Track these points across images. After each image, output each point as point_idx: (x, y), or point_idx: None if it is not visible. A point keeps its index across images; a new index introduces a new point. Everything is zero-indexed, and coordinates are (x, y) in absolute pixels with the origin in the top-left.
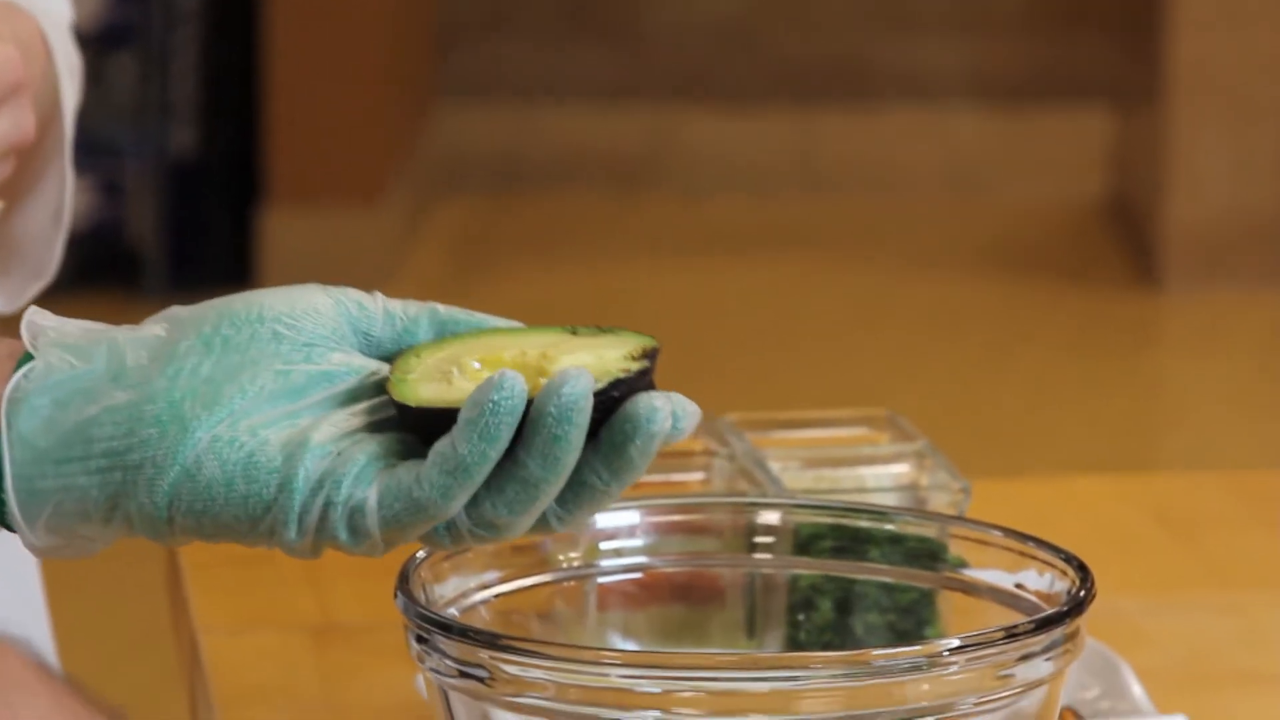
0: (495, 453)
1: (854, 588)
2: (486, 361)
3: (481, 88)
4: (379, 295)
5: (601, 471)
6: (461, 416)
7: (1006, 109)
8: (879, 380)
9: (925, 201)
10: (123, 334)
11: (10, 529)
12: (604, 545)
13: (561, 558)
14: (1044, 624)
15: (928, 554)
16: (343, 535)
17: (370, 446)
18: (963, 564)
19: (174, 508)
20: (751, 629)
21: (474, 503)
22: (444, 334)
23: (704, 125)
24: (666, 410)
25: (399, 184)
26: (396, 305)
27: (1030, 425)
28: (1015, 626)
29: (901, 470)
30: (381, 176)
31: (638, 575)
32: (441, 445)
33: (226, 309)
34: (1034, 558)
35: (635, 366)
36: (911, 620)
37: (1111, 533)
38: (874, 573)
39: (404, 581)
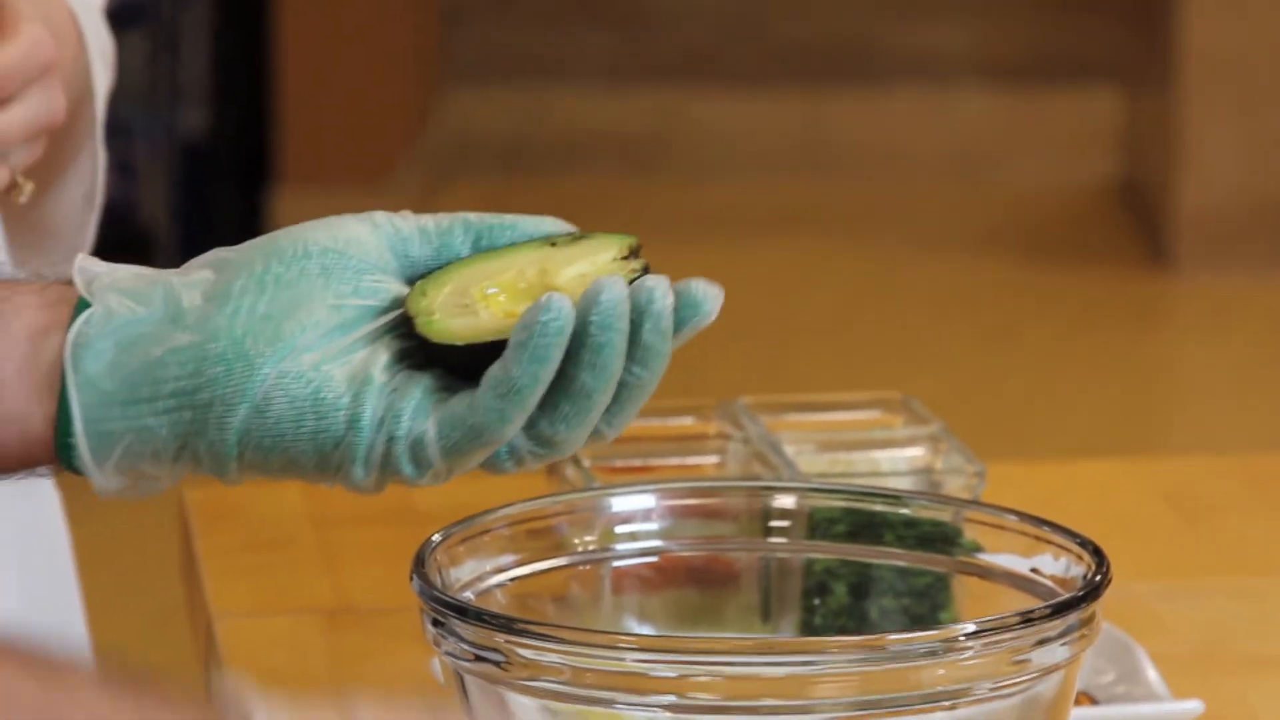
0: (547, 373)
1: (869, 572)
2: (503, 287)
3: (489, 70)
4: (409, 214)
5: (631, 366)
6: (512, 340)
7: (1015, 91)
8: (888, 362)
9: (934, 183)
10: (175, 277)
11: (78, 472)
12: (619, 529)
13: (577, 541)
14: (1060, 609)
15: (942, 538)
16: (406, 468)
17: (424, 379)
18: (978, 548)
19: (244, 444)
20: (766, 613)
21: (531, 424)
22: (480, 242)
23: (711, 107)
24: (663, 287)
25: (408, 166)
26: (429, 221)
27: (1039, 406)
28: (1031, 611)
29: (916, 454)
30: (390, 158)
31: (653, 559)
32: (494, 371)
33: (273, 247)
34: (1049, 542)
35: (636, 265)
36: (926, 605)
37: (1124, 517)
38: (889, 557)
39: (419, 565)
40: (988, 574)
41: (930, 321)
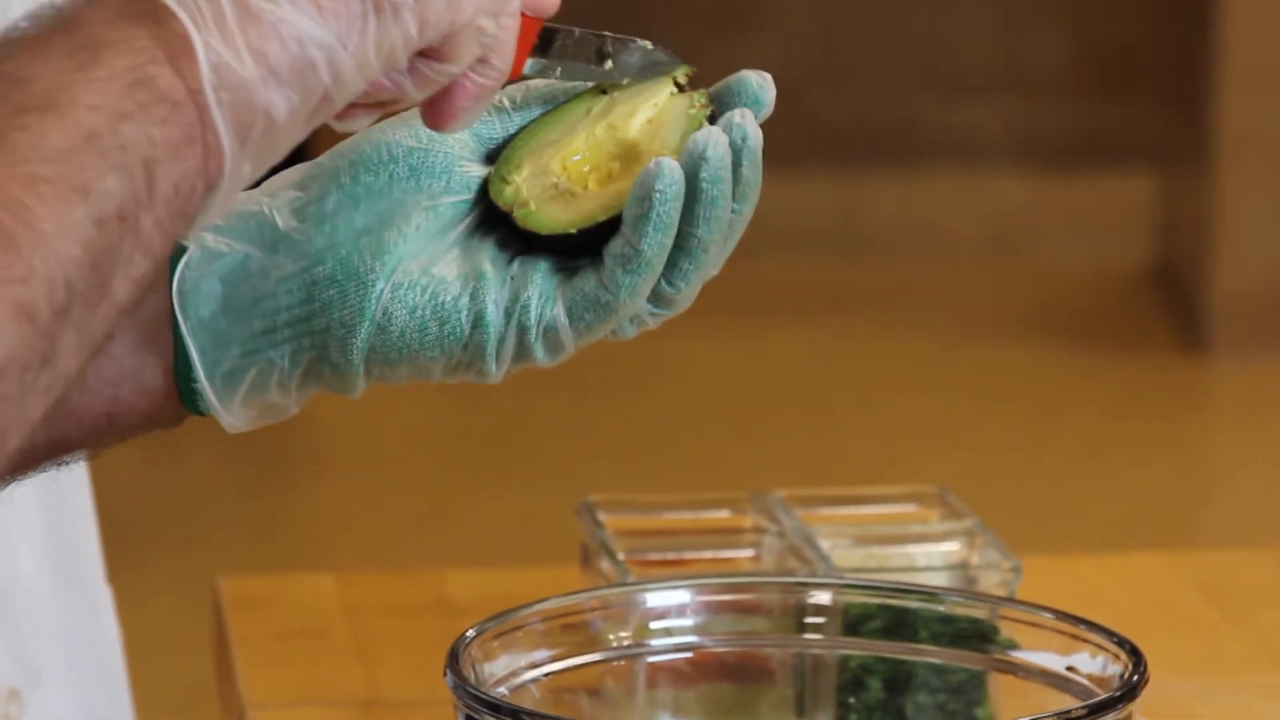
0: (670, 239)
1: (904, 668)
2: (582, 154)
3: None
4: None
5: (732, 204)
6: (631, 214)
7: (1052, 172)
8: (922, 446)
9: (970, 265)
10: (265, 199)
11: (203, 414)
12: (654, 624)
13: (611, 637)
14: (1097, 709)
15: (978, 635)
16: (540, 355)
17: (539, 263)
18: (1013, 645)
19: (370, 361)
20: (801, 709)
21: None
22: (543, 103)
23: None
24: (751, 122)
25: None
26: (504, 100)
27: (1076, 492)
28: (1068, 711)
29: (952, 549)
30: None
31: (687, 654)
32: (617, 247)
33: (357, 155)
34: (1086, 640)
35: (701, 100)
36: (961, 702)
37: (1162, 611)
38: (924, 654)
39: (454, 660)
40: (1024, 672)
41: (965, 405)
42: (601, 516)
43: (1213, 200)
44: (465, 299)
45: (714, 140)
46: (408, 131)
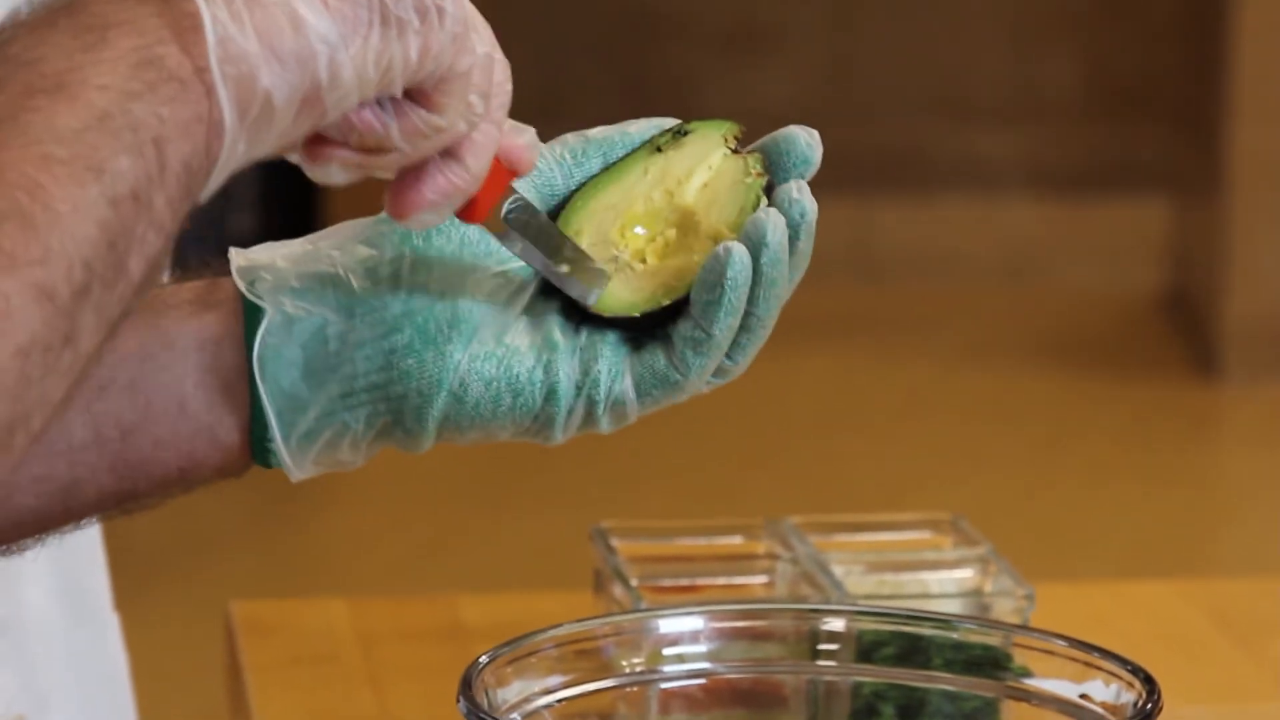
0: (738, 321)
1: (917, 695)
2: (641, 222)
3: None
4: (541, 147)
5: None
6: (701, 299)
7: (1064, 199)
8: (935, 471)
9: (983, 291)
10: (339, 259)
11: (271, 467)
12: (667, 651)
13: (625, 663)
14: None
15: (991, 662)
16: (605, 426)
17: (607, 335)
18: (1027, 673)
19: (442, 428)
20: None
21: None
22: (603, 156)
23: None
24: (808, 199)
25: None
26: (564, 153)
27: (1088, 518)
28: None
29: (965, 576)
30: None
31: (700, 681)
32: (688, 330)
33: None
34: (1099, 668)
35: (756, 166)
36: None
37: (1175, 639)
38: (937, 681)
39: (466, 686)
40: (1037, 700)
41: (977, 431)
42: (614, 542)
43: (1225, 227)
44: (539, 371)
45: (774, 225)
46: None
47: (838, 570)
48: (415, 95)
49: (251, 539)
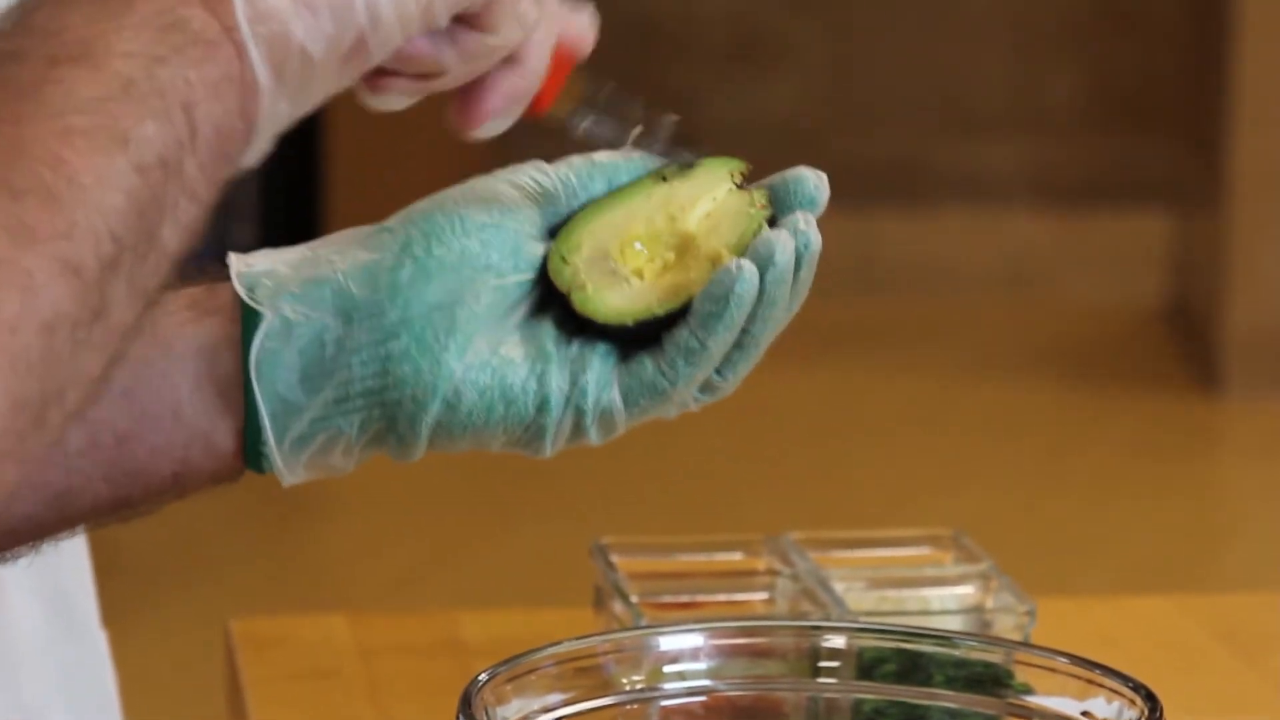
0: (734, 337)
1: (918, 713)
2: (641, 240)
3: None
4: (544, 167)
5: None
6: (702, 310)
7: (1065, 210)
8: (936, 484)
9: (985, 303)
10: (339, 264)
11: (264, 472)
12: (667, 668)
13: (625, 680)
14: None
15: (993, 680)
16: (594, 436)
17: (597, 345)
18: (1028, 690)
19: (435, 436)
20: None
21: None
22: (608, 181)
23: None
24: (814, 231)
25: None
26: (570, 175)
27: (1089, 531)
28: None
29: (966, 592)
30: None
31: (701, 698)
32: (683, 339)
33: (430, 226)
34: (1101, 685)
35: (761, 200)
36: None
37: (1178, 654)
38: (938, 698)
39: (465, 704)
40: (1039, 717)
41: (979, 443)
42: (614, 558)
43: (1227, 239)
44: (532, 382)
45: (782, 245)
46: (481, 206)
47: (838, 586)
48: (466, 19)
49: (251, 554)
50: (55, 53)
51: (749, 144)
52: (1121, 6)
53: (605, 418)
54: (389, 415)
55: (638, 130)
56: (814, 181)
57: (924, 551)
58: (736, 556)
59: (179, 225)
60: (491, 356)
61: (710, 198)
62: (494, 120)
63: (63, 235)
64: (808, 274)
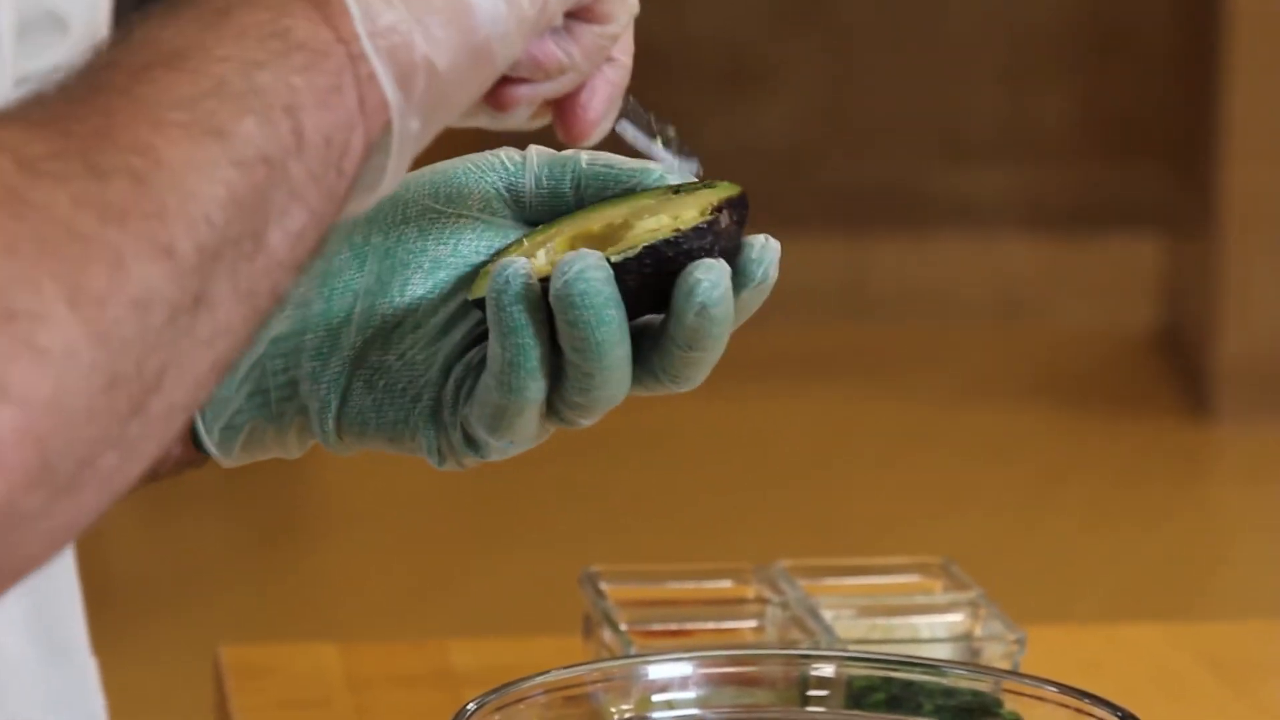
0: (529, 339)
1: None
2: (574, 239)
3: None
4: (533, 154)
5: (678, 338)
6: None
7: (1058, 237)
8: (926, 510)
9: (976, 329)
10: None
11: (206, 454)
12: (656, 697)
13: (614, 709)
14: None
15: (982, 708)
16: (465, 455)
17: (480, 355)
18: (1017, 719)
19: (341, 433)
20: None
21: (557, 392)
22: (585, 193)
23: None
24: (710, 280)
25: None
26: (544, 165)
27: (1080, 557)
28: None
29: (956, 620)
30: None
31: None
32: (489, 345)
33: (375, 214)
34: (1090, 714)
35: (688, 226)
36: None
37: (1167, 683)
38: None
39: None
40: None
41: (970, 469)
42: (604, 586)
43: (1219, 265)
44: (419, 386)
45: (576, 262)
46: (428, 190)
47: (827, 615)
48: (579, 13)
49: (241, 581)
50: (149, 59)
51: (742, 169)
52: (1113, 33)
53: (466, 429)
54: (302, 411)
55: (658, 142)
56: (758, 251)
57: (913, 580)
58: (726, 584)
59: (288, 232)
60: (396, 359)
61: (674, 215)
62: (601, 123)
63: (153, 215)
64: (687, 316)
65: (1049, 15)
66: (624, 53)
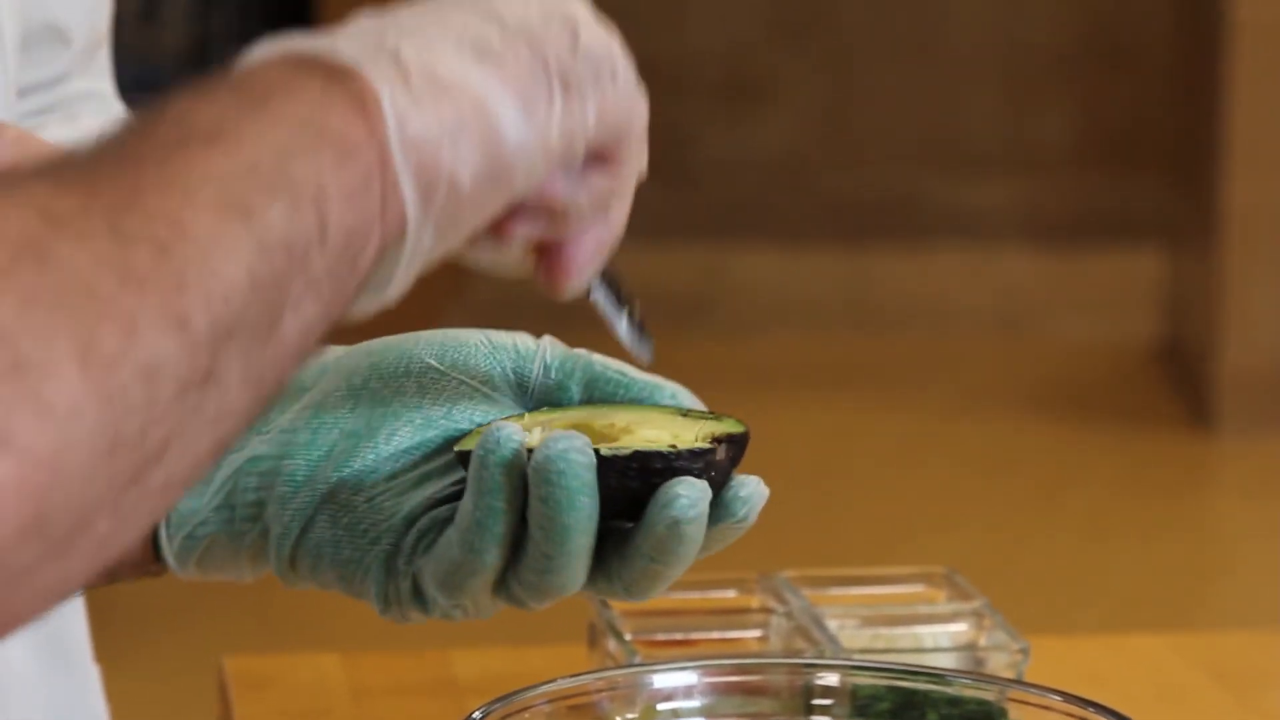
0: (500, 503)
1: None
2: (574, 427)
3: None
4: (546, 344)
5: (644, 547)
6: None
7: (1058, 249)
8: (929, 522)
9: (976, 341)
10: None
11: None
12: (661, 706)
13: (618, 718)
14: None
15: (986, 717)
16: (411, 606)
17: (447, 513)
18: None
19: (295, 562)
20: None
21: (513, 568)
22: (591, 395)
23: (755, 263)
24: (690, 498)
25: (453, 320)
26: (556, 358)
27: (1082, 569)
28: None
29: (959, 630)
30: (437, 310)
31: None
32: (462, 502)
33: (379, 360)
34: None
35: (684, 446)
36: None
37: (1170, 693)
38: None
39: None
40: None
41: (971, 481)
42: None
43: (1219, 278)
44: (376, 533)
45: (560, 440)
46: (436, 351)
47: (832, 624)
48: (597, 155)
49: (244, 591)
50: (185, 135)
51: (742, 181)
52: (1113, 46)
53: (418, 585)
54: (264, 534)
55: (636, 309)
56: (743, 490)
57: (917, 589)
58: (730, 594)
59: (301, 322)
60: (365, 503)
61: (673, 433)
62: (583, 274)
63: (172, 286)
64: (658, 527)
65: (1050, 28)
66: (620, 212)
